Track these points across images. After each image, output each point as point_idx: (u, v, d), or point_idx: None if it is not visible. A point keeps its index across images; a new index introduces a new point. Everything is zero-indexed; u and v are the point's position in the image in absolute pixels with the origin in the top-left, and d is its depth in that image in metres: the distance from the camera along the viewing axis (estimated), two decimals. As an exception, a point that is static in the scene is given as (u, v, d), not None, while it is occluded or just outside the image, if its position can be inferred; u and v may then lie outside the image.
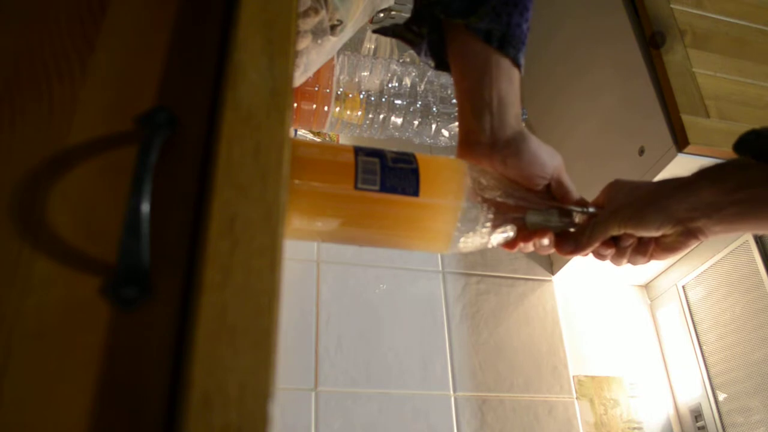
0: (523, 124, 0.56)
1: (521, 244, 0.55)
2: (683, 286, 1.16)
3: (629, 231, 0.53)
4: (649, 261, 0.56)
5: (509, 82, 0.55)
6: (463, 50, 0.56)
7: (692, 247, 0.53)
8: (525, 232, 0.55)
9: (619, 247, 0.55)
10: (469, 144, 0.55)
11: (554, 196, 0.56)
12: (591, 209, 0.56)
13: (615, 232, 0.54)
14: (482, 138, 0.54)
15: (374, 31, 0.81)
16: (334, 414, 0.94)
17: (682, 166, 0.92)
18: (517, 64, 0.55)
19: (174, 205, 0.34)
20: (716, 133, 0.93)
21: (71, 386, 0.28)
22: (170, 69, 0.39)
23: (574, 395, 1.10)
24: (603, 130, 1.11)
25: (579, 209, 0.55)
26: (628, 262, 0.56)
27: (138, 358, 0.30)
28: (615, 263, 0.56)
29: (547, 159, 0.54)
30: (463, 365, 1.05)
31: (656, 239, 0.55)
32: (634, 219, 0.52)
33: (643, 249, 0.55)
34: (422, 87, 0.91)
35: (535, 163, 0.54)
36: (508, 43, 0.54)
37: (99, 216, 0.33)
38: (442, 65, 0.60)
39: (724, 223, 0.51)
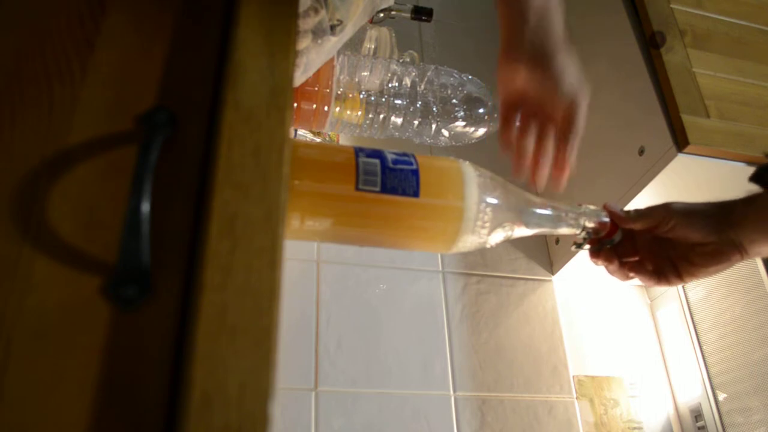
0: (562, 40, 0.56)
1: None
2: (683, 286, 1.16)
3: (674, 227, 0.52)
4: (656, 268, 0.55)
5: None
6: None
7: (732, 260, 0.52)
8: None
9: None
10: (507, 53, 0.56)
11: (560, 125, 0.54)
12: (591, 207, 0.55)
13: (657, 219, 0.53)
14: (519, 48, 0.55)
15: None
16: (334, 414, 0.94)
17: (682, 166, 0.92)
18: None
19: (174, 205, 0.34)
20: (716, 133, 0.93)
21: (71, 386, 0.28)
22: (170, 69, 0.39)
23: (574, 395, 1.10)
24: (603, 131, 1.11)
25: (577, 208, 0.55)
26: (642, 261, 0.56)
27: (138, 358, 0.30)
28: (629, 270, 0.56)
29: (566, 85, 0.54)
30: (463, 365, 1.05)
31: (694, 248, 0.53)
32: (683, 216, 0.52)
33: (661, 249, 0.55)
34: (422, 87, 0.91)
35: (552, 82, 0.54)
36: None
37: (99, 216, 0.33)
38: None
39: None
